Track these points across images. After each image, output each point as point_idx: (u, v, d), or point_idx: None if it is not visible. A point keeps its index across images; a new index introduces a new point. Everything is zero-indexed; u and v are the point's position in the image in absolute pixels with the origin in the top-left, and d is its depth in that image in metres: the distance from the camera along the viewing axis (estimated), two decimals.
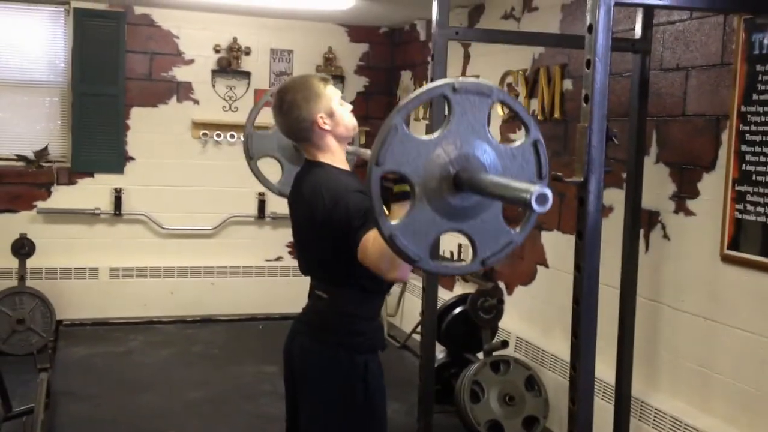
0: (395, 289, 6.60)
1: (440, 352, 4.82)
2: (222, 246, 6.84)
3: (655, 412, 3.78)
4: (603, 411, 3.77)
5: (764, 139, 3.25)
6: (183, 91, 6.65)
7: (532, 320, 4.96)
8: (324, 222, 2.46)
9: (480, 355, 4.69)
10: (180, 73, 6.63)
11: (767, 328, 3.28)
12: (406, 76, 6.89)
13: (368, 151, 2.63)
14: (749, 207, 3.32)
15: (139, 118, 6.55)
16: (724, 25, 3.51)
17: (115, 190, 6.49)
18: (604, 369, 3.74)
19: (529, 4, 5.01)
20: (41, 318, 5.87)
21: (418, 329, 5.36)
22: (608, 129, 2.48)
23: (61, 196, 6.40)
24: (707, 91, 3.61)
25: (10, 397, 4.18)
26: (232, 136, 6.71)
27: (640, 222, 3.72)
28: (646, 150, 3.75)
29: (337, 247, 2.47)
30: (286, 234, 6.92)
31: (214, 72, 6.68)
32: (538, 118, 4.85)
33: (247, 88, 6.75)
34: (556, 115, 4.69)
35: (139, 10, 6.47)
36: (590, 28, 2.43)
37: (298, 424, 2.70)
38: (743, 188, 3.34)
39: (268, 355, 5.77)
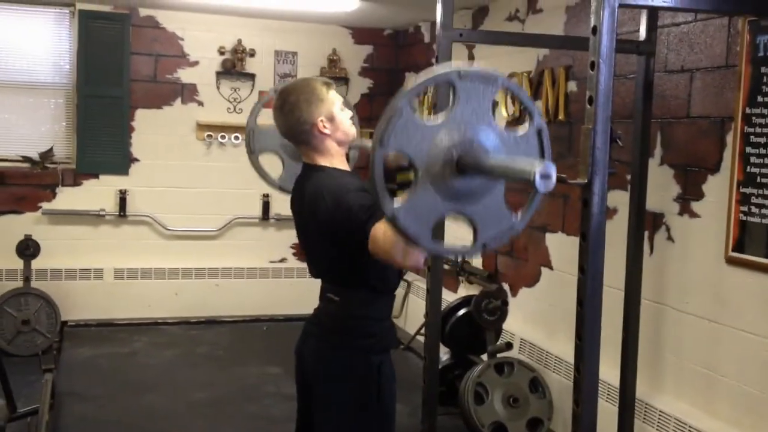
0: (399, 291, 6.60)
1: (444, 354, 4.81)
2: (226, 247, 6.85)
3: (660, 414, 3.77)
4: (607, 413, 3.77)
5: None
6: (187, 92, 6.66)
7: (537, 322, 4.96)
8: (328, 224, 2.47)
9: (484, 356, 4.69)
10: (185, 75, 6.64)
11: None
12: (410, 78, 6.88)
13: (367, 142, 2.64)
14: (754, 209, 3.32)
15: (143, 119, 6.56)
16: (729, 26, 3.51)
17: (120, 191, 6.51)
18: (609, 371, 3.74)
19: (534, 6, 5.01)
20: (46, 319, 5.88)
21: (422, 331, 5.36)
22: (612, 131, 2.49)
23: (66, 198, 6.42)
24: (712, 93, 3.61)
25: (15, 397, 4.18)
26: (236, 138, 6.72)
27: (644, 224, 3.72)
28: (650, 152, 3.74)
29: (343, 248, 2.48)
30: (291, 235, 6.93)
31: (218, 74, 6.70)
32: (543, 119, 4.84)
33: (252, 90, 6.76)
34: (561, 116, 4.69)
35: (144, 11, 6.48)
36: (594, 30, 2.43)
37: (310, 425, 2.71)
38: (748, 190, 3.34)
39: (273, 357, 5.78)
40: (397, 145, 1.75)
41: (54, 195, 6.40)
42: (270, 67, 6.82)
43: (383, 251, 2.21)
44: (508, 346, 4.67)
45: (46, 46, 6.39)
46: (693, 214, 3.69)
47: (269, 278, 6.93)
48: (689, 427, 3.60)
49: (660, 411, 3.78)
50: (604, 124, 2.42)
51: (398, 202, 1.77)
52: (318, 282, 2.74)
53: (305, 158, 2.67)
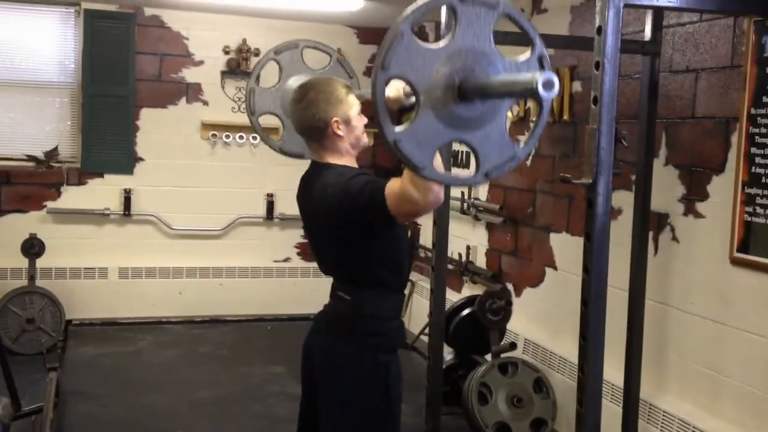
0: None
1: (448, 354, 4.82)
2: (230, 247, 6.86)
3: (664, 415, 3.77)
4: (611, 413, 3.77)
5: None
6: (192, 92, 6.67)
7: (541, 322, 4.96)
8: (338, 214, 2.48)
9: (488, 356, 4.69)
10: (189, 75, 6.65)
11: None
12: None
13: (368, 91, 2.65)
14: (759, 210, 3.31)
15: (148, 119, 6.57)
16: (734, 27, 3.50)
17: (125, 190, 6.52)
18: (613, 371, 3.73)
19: (539, 6, 5.01)
20: (51, 318, 5.89)
21: (426, 331, 5.36)
22: (617, 131, 2.49)
23: (71, 197, 6.43)
24: (717, 94, 3.60)
25: (20, 396, 4.19)
26: (241, 137, 6.73)
27: (649, 224, 3.71)
28: (655, 152, 3.74)
29: (354, 240, 2.50)
30: (295, 235, 6.95)
31: (223, 73, 6.70)
32: (547, 120, 4.84)
33: None
34: (566, 117, 4.69)
35: (149, 11, 6.49)
36: (599, 30, 2.43)
37: (314, 423, 2.71)
38: (753, 191, 3.34)
39: (277, 356, 5.78)
40: (399, 70, 1.74)
41: (59, 194, 6.41)
42: (274, 67, 6.80)
43: (403, 197, 2.21)
44: (512, 346, 4.68)
45: (51, 45, 6.40)
46: (698, 215, 3.69)
47: (273, 278, 6.93)
48: (693, 427, 3.59)
49: (664, 411, 3.77)
50: (608, 124, 2.42)
51: (400, 128, 1.78)
52: (323, 281, 2.75)
53: (314, 156, 2.67)
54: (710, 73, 3.65)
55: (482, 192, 5.67)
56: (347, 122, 2.60)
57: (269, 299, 6.85)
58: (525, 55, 1.85)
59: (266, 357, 5.85)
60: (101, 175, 6.50)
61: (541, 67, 1.84)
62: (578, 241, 4.51)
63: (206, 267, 6.76)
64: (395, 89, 2.22)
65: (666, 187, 3.82)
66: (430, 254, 4.18)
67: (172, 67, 6.61)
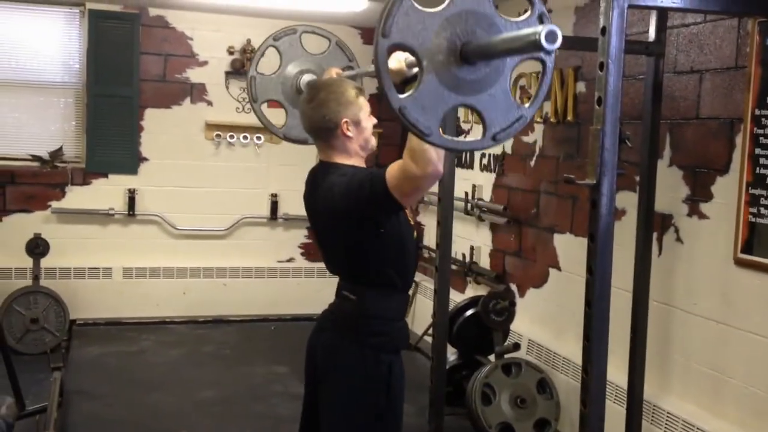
0: None
1: (452, 354, 4.82)
2: (234, 247, 6.86)
3: (667, 416, 3.77)
4: (615, 414, 3.76)
5: None
6: (197, 92, 6.67)
7: (544, 323, 4.96)
8: (342, 214, 2.49)
9: (491, 357, 4.69)
10: (194, 75, 6.66)
11: None
12: None
13: (368, 68, 2.65)
14: (763, 210, 3.31)
15: (153, 119, 6.58)
16: (739, 28, 3.50)
17: (129, 190, 6.52)
18: (617, 372, 3.73)
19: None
20: (55, 317, 5.90)
21: (430, 331, 5.36)
22: (621, 132, 2.48)
23: (76, 197, 6.44)
24: (721, 94, 3.60)
25: (24, 395, 4.20)
26: (245, 138, 6.74)
27: (653, 225, 3.71)
28: (659, 153, 3.74)
29: (359, 238, 2.52)
30: (299, 235, 6.95)
31: (227, 73, 6.71)
32: (551, 120, 4.84)
33: None
34: (569, 117, 4.68)
35: (153, 11, 6.50)
36: (603, 31, 2.43)
37: (316, 418, 2.72)
38: (757, 191, 3.33)
39: (280, 356, 5.79)
40: (400, 36, 1.74)
41: (63, 194, 6.43)
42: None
43: (401, 173, 2.24)
44: (516, 346, 4.67)
45: (56, 45, 6.42)
46: (702, 216, 3.68)
47: (277, 278, 6.94)
48: (697, 428, 3.59)
49: (668, 412, 3.77)
50: (612, 125, 2.42)
51: (405, 95, 1.77)
52: (327, 282, 2.76)
53: (322, 155, 2.68)
54: (714, 74, 3.64)
55: (486, 192, 5.67)
56: (357, 123, 2.61)
57: (273, 299, 6.85)
58: (525, 14, 1.84)
59: (269, 357, 5.86)
60: (106, 175, 6.51)
61: (542, 23, 1.83)
62: (582, 242, 4.51)
63: (210, 267, 6.77)
64: (397, 61, 2.22)
65: (670, 187, 3.81)
66: (433, 255, 4.18)
67: (177, 67, 6.61)
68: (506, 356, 4.58)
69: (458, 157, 5.90)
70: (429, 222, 6.61)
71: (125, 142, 6.51)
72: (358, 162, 2.66)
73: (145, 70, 6.53)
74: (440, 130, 1.84)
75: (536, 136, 5.07)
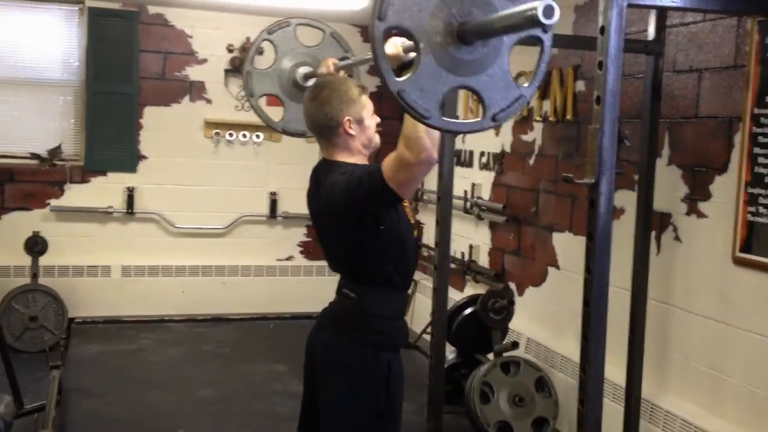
0: None
1: (450, 353, 4.82)
2: (233, 245, 6.86)
3: (665, 415, 3.77)
4: (613, 413, 3.76)
5: None
6: (196, 90, 6.67)
7: (543, 321, 4.96)
8: (343, 211, 2.50)
9: (490, 355, 4.69)
10: (193, 73, 6.65)
11: None
12: None
13: (365, 55, 2.65)
14: (762, 209, 3.31)
15: (152, 117, 6.58)
16: (738, 27, 3.50)
17: (128, 188, 6.52)
18: (615, 371, 3.74)
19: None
20: (53, 315, 5.91)
21: (429, 330, 5.36)
22: (620, 131, 2.48)
23: (74, 195, 6.44)
24: (720, 93, 3.60)
25: (22, 394, 4.20)
26: (244, 136, 6.74)
27: (651, 224, 3.71)
28: (658, 152, 3.73)
29: (360, 236, 2.52)
30: (298, 233, 6.95)
31: (227, 71, 6.70)
32: (551, 119, 4.84)
33: None
34: (569, 116, 4.68)
35: (152, 9, 6.50)
36: (602, 30, 2.43)
37: (315, 419, 2.72)
38: (755, 191, 3.33)
39: (279, 354, 5.79)
40: (396, 18, 1.73)
41: (62, 192, 6.42)
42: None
43: (396, 162, 2.25)
44: (515, 345, 4.68)
45: (55, 43, 6.41)
46: (700, 215, 3.68)
47: (276, 276, 6.94)
48: (695, 427, 3.59)
49: (666, 411, 3.77)
50: (611, 124, 2.41)
51: (403, 78, 1.76)
52: (327, 280, 2.77)
53: (325, 153, 2.69)
54: (713, 73, 3.64)
55: (485, 191, 5.67)
56: (360, 122, 2.62)
57: (272, 298, 6.85)
58: None
59: (269, 355, 5.86)
60: (104, 173, 6.51)
61: None
62: (581, 241, 4.50)
63: (209, 265, 6.77)
64: (393, 46, 2.22)
65: (669, 186, 3.81)
66: (433, 253, 4.18)
67: (176, 65, 6.61)
68: (505, 355, 4.59)
69: (457, 156, 5.91)
70: (428, 221, 6.60)
71: (124, 140, 6.51)
72: (361, 160, 2.66)
73: (144, 68, 6.53)
74: (439, 112, 1.82)
75: (535, 134, 5.07)
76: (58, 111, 6.48)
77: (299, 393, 2.85)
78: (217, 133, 6.71)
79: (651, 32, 3.60)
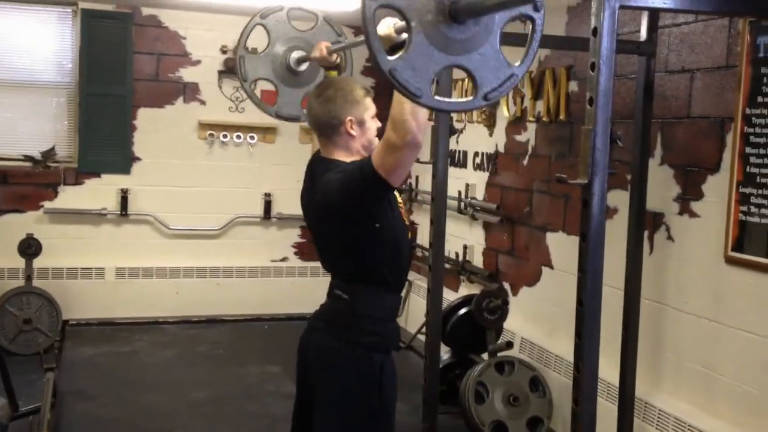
0: None
1: (445, 353, 4.82)
2: (228, 246, 6.86)
3: (659, 413, 3.79)
4: (607, 411, 3.78)
5: None
6: (190, 91, 6.67)
7: (537, 321, 4.97)
8: (337, 208, 2.50)
9: (485, 355, 4.70)
10: (187, 74, 6.65)
11: None
12: None
13: (358, 38, 2.66)
14: (753, 209, 3.33)
15: (146, 118, 6.58)
16: (729, 27, 3.52)
17: (122, 190, 6.52)
18: (608, 370, 3.75)
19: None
20: (48, 318, 5.89)
21: (423, 330, 5.37)
22: (612, 131, 2.49)
23: (68, 197, 6.43)
24: (712, 94, 3.62)
25: (17, 396, 4.19)
26: (238, 137, 6.74)
27: (644, 224, 3.73)
28: (650, 152, 3.75)
29: (354, 233, 2.53)
30: (292, 234, 6.96)
31: (220, 73, 6.70)
32: (544, 119, 4.86)
33: (254, 89, 6.73)
34: (562, 116, 4.70)
35: (146, 11, 6.49)
36: (595, 31, 2.44)
37: (308, 422, 2.72)
38: (747, 190, 3.35)
39: (273, 356, 5.79)
40: None
41: (56, 194, 6.41)
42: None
43: (382, 147, 2.29)
44: (509, 345, 4.69)
45: (48, 45, 6.40)
46: (693, 214, 3.70)
47: (270, 277, 6.94)
48: (688, 425, 3.61)
49: (659, 410, 3.79)
50: (604, 125, 2.43)
51: (394, 57, 1.76)
52: (321, 281, 2.77)
53: (323, 151, 2.70)
54: (705, 74, 3.66)
55: (479, 191, 5.68)
56: (361, 123, 2.64)
57: (266, 299, 6.85)
58: None
59: (263, 357, 5.86)
60: (98, 175, 6.50)
61: None
62: (575, 240, 4.51)
63: (203, 267, 6.76)
64: (386, 27, 2.22)
65: (661, 186, 3.83)
66: (427, 253, 4.19)
67: (170, 66, 6.61)
68: (499, 355, 4.60)
69: (451, 156, 5.92)
70: (422, 221, 6.61)
71: (118, 142, 6.51)
72: (357, 159, 2.66)
73: (138, 70, 6.52)
74: (431, 91, 1.82)
75: (529, 135, 5.08)
76: (51, 113, 6.47)
77: (293, 394, 2.86)
78: (211, 135, 6.70)
79: (643, 33, 3.62)
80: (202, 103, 6.70)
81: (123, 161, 6.53)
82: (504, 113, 5.27)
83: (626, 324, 3.69)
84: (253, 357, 5.89)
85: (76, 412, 4.69)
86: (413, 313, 6.49)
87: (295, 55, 3.34)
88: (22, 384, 4.49)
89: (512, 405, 4.42)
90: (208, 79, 6.69)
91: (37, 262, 6.01)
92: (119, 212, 6.52)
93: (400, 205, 2.69)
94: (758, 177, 3.30)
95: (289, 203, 6.75)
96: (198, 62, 6.66)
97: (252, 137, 6.77)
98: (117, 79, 6.47)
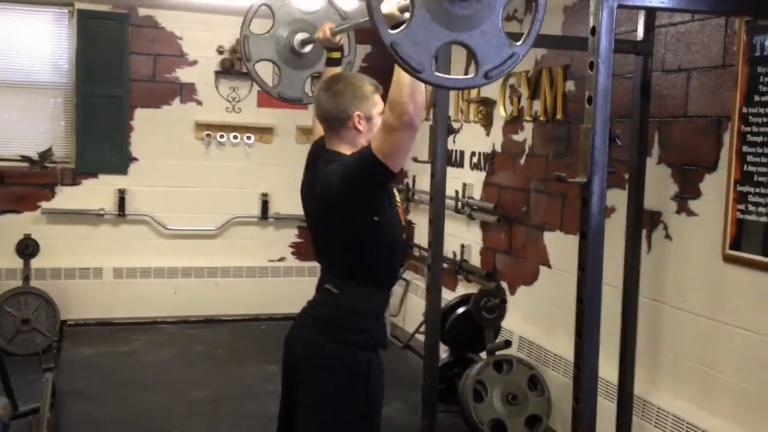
0: (398, 290, 6.62)
1: (443, 352, 4.83)
2: (225, 246, 6.87)
3: (657, 411, 3.80)
4: (606, 410, 3.79)
5: (765, 140, 3.28)
6: (186, 92, 6.67)
7: (535, 320, 4.99)
8: (337, 199, 2.51)
9: (483, 354, 4.71)
10: (183, 75, 6.66)
11: None
12: None
13: (362, 19, 2.67)
14: (751, 207, 3.34)
15: (142, 119, 6.58)
16: (726, 27, 3.53)
17: (119, 190, 6.52)
18: (607, 368, 3.75)
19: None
20: (46, 318, 5.89)
21: (421, 329, 5.38)
22: (611, 130, 2.50)
23: (66, 197, 6.43)
24: (709, 93, 3.63)
25: (16, 396, 4.19)
26: (235, 137, 6.75)
27: (642, 222, 3.73)
28: (648, 151, 3.77)
29: (352, 224, 2.54)
30: (290, 234, 6.96)
31: (217, 73, 6.71)
32: (541, 119, 4.87)
33: (250, 90, 6.76)
34: (559, 116, 4.71)
35: (143, 11, 6.49)
36: (593, 31, 2.45)
37: (293, 415, 2.73)
38: (745, 189, 3.37)
39: (271, 356, 5.75)
40: None
41: (53, 194, 6.41)
42: (269, 66, 6.81)
43: (381, 129, 2.31)
44: (507, 343, 4.70)
45: (45, 45, 6.40)
46: (690, 213, 3.72)
47: (268, 277, 6.95)
48: (687, 423, 3.62)
49: (658, 408, 3.80)
50: (603, 123, 2.44)
51: (396, 31, 1.77)
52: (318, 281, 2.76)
53: (329, 144, 2.71)
54: (702, 73, 3.68)
55: (476, 191, 5.70)
56: (369, 119, 2.64)
57: (264, 299, 6.86)
58: None
59: (261, 356, 5.86)
60: (95, 176, 6.50)
61: None
62: (572, 240, 4.55)
63: (201, 267, 6.77)
64: (389, 5, 2.23)
65: (659, 185, 3.84)
66: (424, 253, 4.20)
67: (166, 67, 6.61)
68: (497, 353, 4.61)
69: (448, 156, 5.93)
70: (419, 221, 6.63)
71: (115, 142, 6.51)
72: None
73: (134, 70, 6.52)
74: (432, 67, 1.83)
75: (526, 134, 5.10)
76: (48, 113, 6.47)
77: None
78: (207, 135, 6.71)
79: (640, 32, 3.62)
80: (199, 103, 6.70)
81: (120, 162, 6.53)
82: (501, 113, 5.29)
83: (625, 322, 3.70)
84: (251, 357, 5.90)
85: (75, 412, 4.69)
86: (411, 313, 6.50)
87: (299, 36, 3.35)
88: (20, 384, 4.48)
89: (511, 403, 4.43)
90: (205, 80, 6.69)
91: (35, 263, 6.01)
92: (117, 212, 6.52)
93: (398, 205, 2.70)
94: (755, 175, 3.32)
95: (286, 203, 6.75)
96: (195, 63, 6.67)
97: (249, 137, 6.77)
98: (114, 80, 6.47)
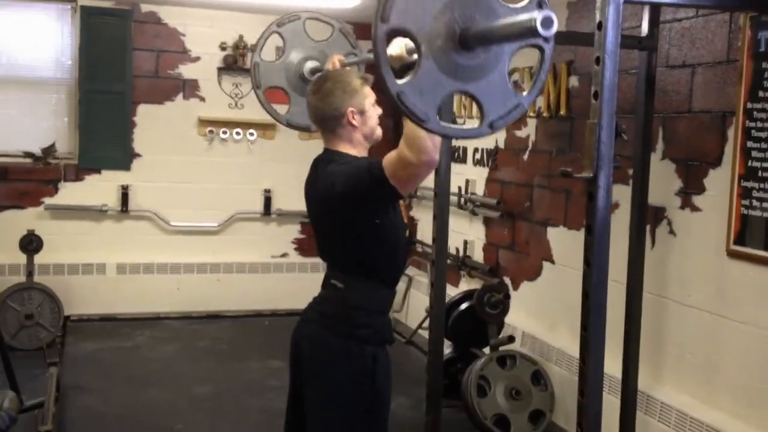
0: (400, 286, 6.63)
1: (447, 348, 4.84)
2: (228, 242, 6.87)
3: (661, 406, 3.81)
4: (609, 405, 3.78)
5: None
6: (189, 88, 6.68)
7: (538, 315, 4.99)
8: (339, 199, 2.52)
9: (486, 350, 4.72)
10: (186, 71, 6.66)
11: None
12: None
13: (370, 55, 2.69)
14: (755, 202, 3.35)
15: (145, 115, 6.58)
16: (730, 22, 3.54)
17: (122, 186, 6.52)
18: (611, 363, 3.73)
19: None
20: (49, 313, 5.91)
21: (424, 325, 5.39)
22: (617, 125, 2.51)
23: (69, 193, 6.44)
24: (713, 88, 3.64)
25: (20, 391, 4.20)
26: (238, 134, 6.75)
27: (646, 218, 3.74)
28: (652, 146, 3.77)
29: (355, 225, 2.54)
30: (292, 230, 6.97)
31: (220, 69, 6.71)
32: (544, 115, 4.88)
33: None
34: (562, 112, 4.72)
35: (145, 7, 6.50)
36: (600, 26, 2.45)
37: (301, 410, 2.73)
38: (749, 184, 3.37)
39: (274, 351, 5.80)
40: (398, 21, 1.74)
41: (56, 190, 6.42)
42: None
43: (397, 161, 2.28)
44: (510, 339, 4.71)
45: (48, 41, 6.40)
46: (694, 208, 3.72)
47: (271, 273, 6.95)
48: (690, 418, 3.63)
49: (662, 402, 3.81)
50: (609, 119, 2.44)
51: (403, 81, 1.76)
52: (321, 277, 2.77)
53: (327, 144, 2.71)
54: (706, 68, 3.68)
55: (479, 187, 5.70)
56: (362, 112, 2.64)
57: (267, 295, 6.86)
58: (524, 1, 1.84)
59: (264, 352, 5.87)
60: (98, 172, 6.51)
61: (540, 8, 1.81)
62: (575, 235, 4.56)
63: (204, 263, 6.77)
64: (397, 47, 2.24)
65: (663, 180, 3.85)
66: (427, 249, 4.21)
67: (169, 63, 6.62)
68: (501, 349, 4.62)
69: (452, 152, 5.93)
70: (422, 216, 6.64)
71: (118, 138, 6.51)
72: (362, 152, 2.68)
73: (137, 66, 6.53)
74: (437, 116, 1.83)
75: (529, 130, 5.10)
76: (51, 109, 6.48)
77: None
78: (210, 131, 6.71)
79: (644, 28, 3.63)
80: (202, 99, 6.71)
81: (123, 157, 6.54)
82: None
83: (628, 317, 3.70)
84: (254, 352, 5.91)
85: (79, 406, 4.70)
86: (413, 309, 6.51)
87: (310, 65, 3.35)
88: (25, 379, 4.50)
89: (514, 399, 4.45)
90: (208, 76, 6.70)
91: (38, 258, 6.01)
92: (120, 208, 6.53)
93: (401, 203, 2.71)
94: (760, 171, 3.32)
95: (289, 199, 6.76)
96: (197, 59, 6.67)
97: (251, 133, 6.78)
98: (116, 76, 6.47)
